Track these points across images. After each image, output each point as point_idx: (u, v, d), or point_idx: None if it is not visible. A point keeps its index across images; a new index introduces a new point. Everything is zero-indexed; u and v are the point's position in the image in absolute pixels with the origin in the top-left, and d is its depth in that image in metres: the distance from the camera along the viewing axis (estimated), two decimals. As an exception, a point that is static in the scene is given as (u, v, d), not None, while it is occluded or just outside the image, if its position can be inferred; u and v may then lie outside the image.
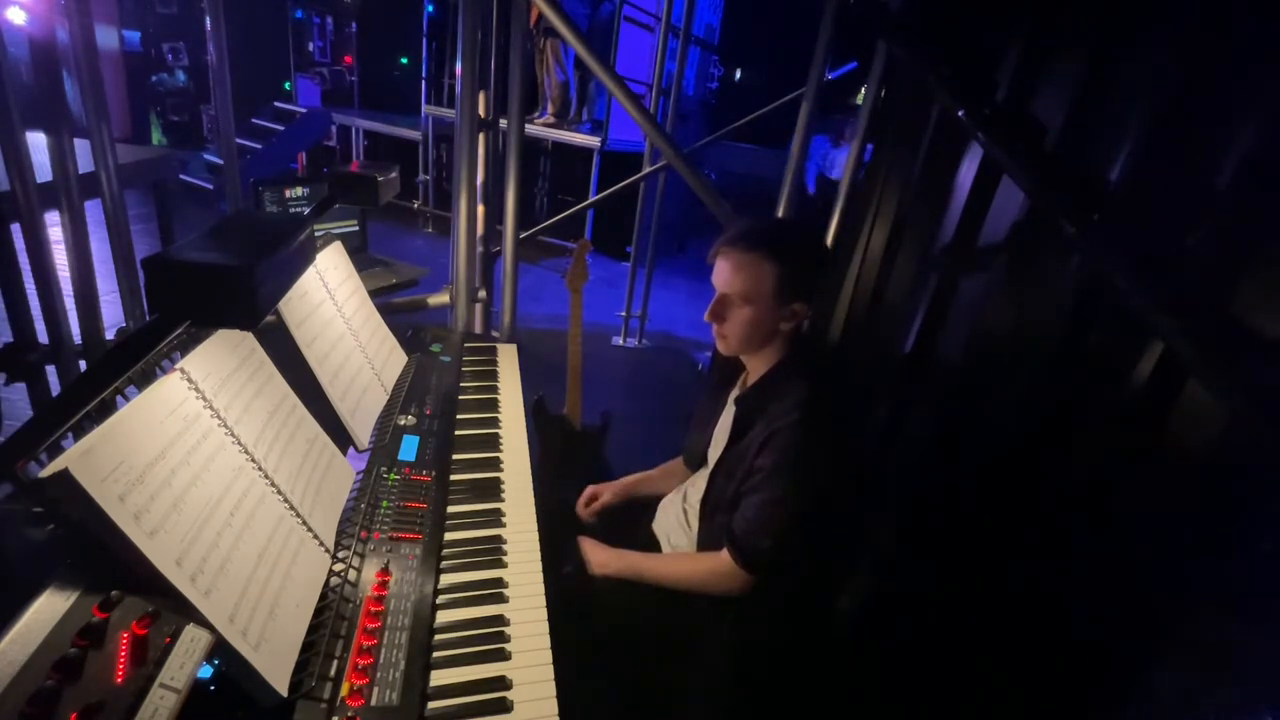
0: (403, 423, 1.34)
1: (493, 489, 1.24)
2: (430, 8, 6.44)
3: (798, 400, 1.19)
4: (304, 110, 7.01)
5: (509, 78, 1.95)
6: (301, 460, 1.01)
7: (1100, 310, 1.08)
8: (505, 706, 0.83)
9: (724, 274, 1.22)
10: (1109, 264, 1.00)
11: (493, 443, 1.39)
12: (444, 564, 1.04)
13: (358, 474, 1.16)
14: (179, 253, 0.88)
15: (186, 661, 0.64)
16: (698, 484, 1.39)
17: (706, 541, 1.32)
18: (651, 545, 1.46)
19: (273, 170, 6.04)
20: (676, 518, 1.42)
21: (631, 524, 1.53)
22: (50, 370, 1.77)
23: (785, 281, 1.18)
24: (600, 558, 1.34)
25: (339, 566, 0.94)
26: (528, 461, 1.36)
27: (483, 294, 2.13)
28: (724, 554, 1.22)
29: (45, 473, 0.60)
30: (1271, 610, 0.79)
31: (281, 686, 0.73)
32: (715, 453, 1.37)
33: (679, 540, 1.40)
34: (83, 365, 1.79)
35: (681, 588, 1.28)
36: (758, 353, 1.28)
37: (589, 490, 1.59)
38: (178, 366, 0.83)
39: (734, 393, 1.38)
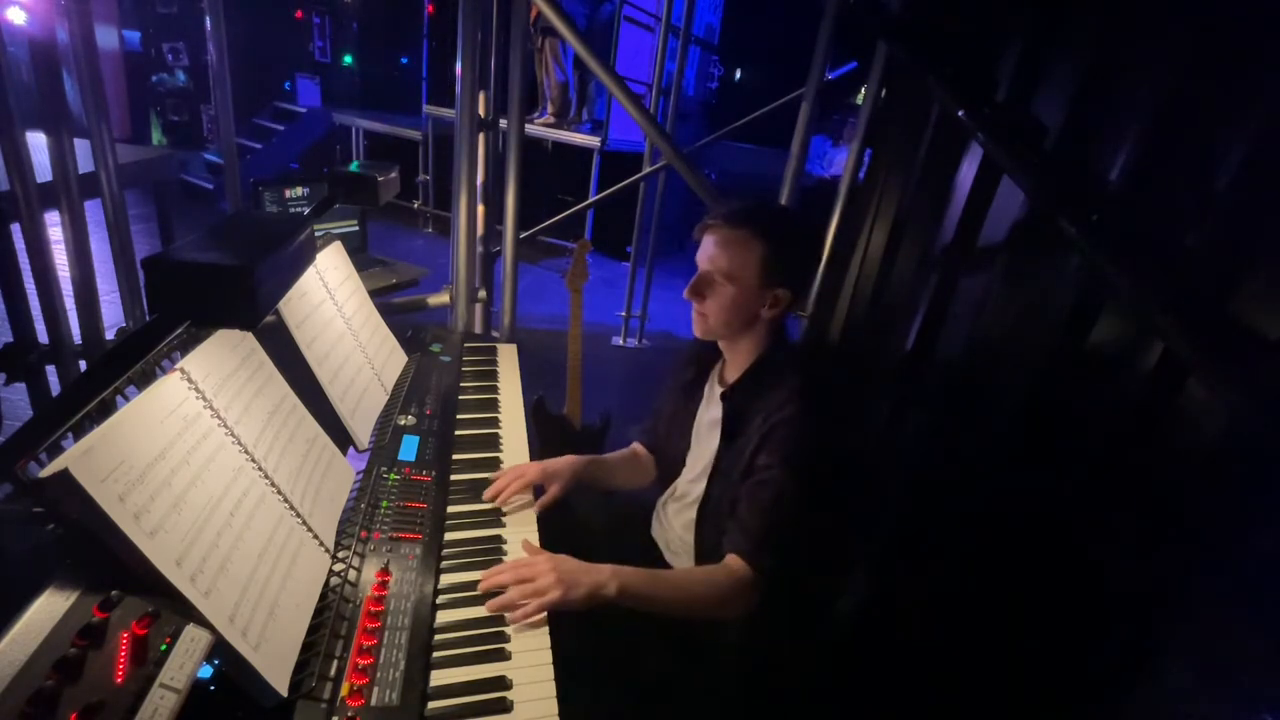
0: (403, 423, 1.34)
1: (493, 489, 1.24)
2: (430, 8, 6.43)
3: (794, 391, 1.16)
4: (304, 110, 7.01)
5: (509, 78, 1.95)
6: (301, 460, 1.01)
7: (1100, 310, 1.08)
8: (505, 706, 0.83)
9: (708, 250, 1.19)
10: (1109, 264, 1.00)
11: (493, 443, 1.39)
12: (444, 564, 1.04)
13: (358, 474, 1.16)
14: (179, 253, 0.88)
15: (186, 661, 0.64)
16: (694, 486, 1.35)
17: (708, 545, 1.28)
18: (651, 550, 1.44)
19: (273, 170, 6.04)
20: (679, 522, 1.39)
21: (628, 530, 1.50)
22: (50, 370, 1.77)
23: (771, 263, 1.15)
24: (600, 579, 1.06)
25: (339, 566, 0.94)
26: (528, 462, 1.35)
27: (483, 294, 2.13)
28: (732, 562, 1.13)
29: (45, 473, 0.60)
30: (1271, 610, 0.79)
31: (281, 686, 0.73)
32: (704, 455, 1.32)
33: (679, 547, 1.37)
34: (83, 365, 1.79)
35: (688, 615, 1.14)
36: (737, 339, 1.25)
37: (531, 476, 1.25)
38: (178, 366, 0.83)
39: (715, 389, 1.34)
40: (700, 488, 1.32)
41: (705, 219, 1.22)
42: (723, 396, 1.29)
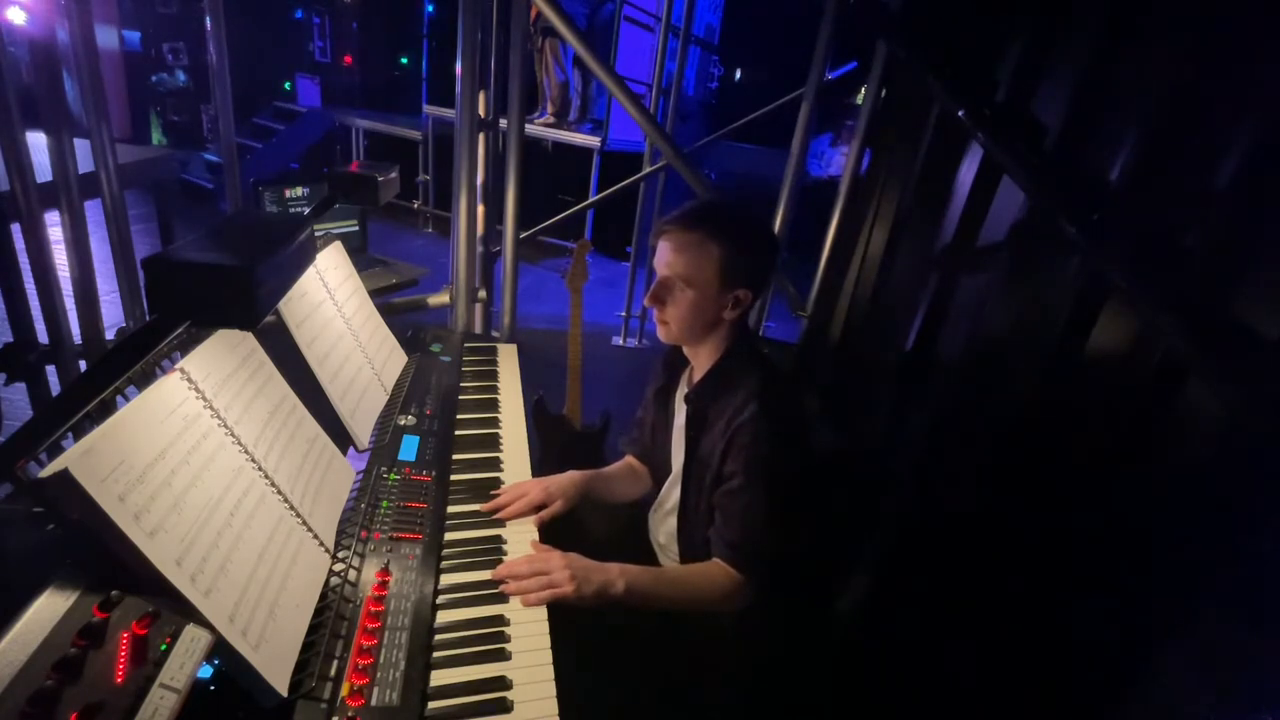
0: (403, 423, 1.34)
1: (493, 489, 1.24)
2: (430, 8, 6.44)
3: (752, 391, 1.15)
4: (304, 110, 7.01)
5: (509, 78, 1.95)
6: (301, 460, 1.01)
7: (1100, 310, 1.08)
8: (505, 706, 0.83)
9: (665, 255, 1.17)
10: (1109, 264, 1.00)
11: (493, 443, 1.39)
12: (444, 564, 1.04)
13: (358, 474, 1.16)
14: (179, 253, 0.88)
15: (186, 661, 0.64)
16: (672, 492, 1.35)
17: (690, 550, 1.29)
18: (648, 555, 1.43)
19: (273, 170, 6.05)
20: (663, 530, 1.39)
21: (627, 535, 1.49)
22: (50, 370, 1.77)
23: (729, 264, 1.14)
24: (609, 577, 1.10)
25: (339, 566, 0.94)
26: (528, 461, 1.36)
27: (483, 294, 2.13)
28: (719, 565, 1.16)
29: (45, 473, 0.60)
30: (1271, 610, 0.79)
31: (281, 686, 0.73)
32: (679, 460, 1.32)
33: (668, 553, 1.37)
34: (83, 365, 1.79)
35: (690, 609, 1.20)
36: (701, 343, 1.24)
37: (533, 497, 1.22)
38: (178, 366, 0.83)
39: (681, 390, 1.34)
40: (676, 494, 1.32)
41: (659, 224, 1.20)
42: (685, 399, 1.28)
